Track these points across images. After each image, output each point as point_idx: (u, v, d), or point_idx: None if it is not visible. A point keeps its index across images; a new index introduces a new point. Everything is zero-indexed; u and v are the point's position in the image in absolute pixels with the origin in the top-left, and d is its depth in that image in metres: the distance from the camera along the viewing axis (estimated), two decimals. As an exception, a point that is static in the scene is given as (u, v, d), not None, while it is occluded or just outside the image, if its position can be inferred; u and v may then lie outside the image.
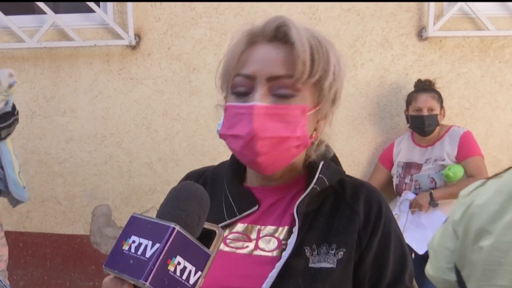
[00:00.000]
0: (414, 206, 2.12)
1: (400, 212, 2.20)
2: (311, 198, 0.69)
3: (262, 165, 0.68)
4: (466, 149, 2.09)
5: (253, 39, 0.67)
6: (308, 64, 0.63)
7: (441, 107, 2.18)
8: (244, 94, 0.67)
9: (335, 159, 0.77)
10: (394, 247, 0.70)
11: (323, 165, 0.72)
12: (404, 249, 0.72)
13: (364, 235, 0.68)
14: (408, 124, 2.26)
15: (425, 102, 2.13)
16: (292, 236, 0.67)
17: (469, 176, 2.06)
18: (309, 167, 0.74)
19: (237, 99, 0.68)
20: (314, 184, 0.70)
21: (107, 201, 2.60)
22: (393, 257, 0.70)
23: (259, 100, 0.64)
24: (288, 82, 0.64)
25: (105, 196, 2.59)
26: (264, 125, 0.64)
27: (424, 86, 2.19)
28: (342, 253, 0.67)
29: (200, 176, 0.83)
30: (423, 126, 2.13)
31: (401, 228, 2.06)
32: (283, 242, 0.69)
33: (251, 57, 0.67)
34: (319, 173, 0.71)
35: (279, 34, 0.65)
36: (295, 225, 0.68)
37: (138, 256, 0.45)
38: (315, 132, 0.70)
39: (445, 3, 2.35)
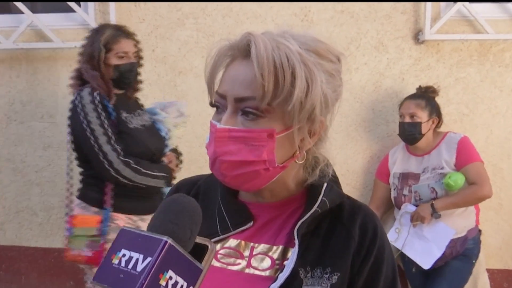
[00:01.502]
0: (416, 219, 2.08)
1: (400, 225, 2.17)
2: (311, 220, 0.69)
3: (232, 185, 0.69)
4: (465, 156, 2.08)
5: (233, 54, 0.67)
6: (269, 87, 0.62)
7: (434, 115, 2.15)
8: (220, 110, 0.68)
9: (335, 181, 0.77)
10: (385, 275, 0.70)
11: (326, 187, 0.72)
12: (395, 277, 0.72)
13: (357, 259, 0.69)
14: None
15: (407, 108, 2.13)
16: (290, 257, 0.67)
17: (471, 183, 2.05)
18: (309, 187, 0.74)
19: (215, 115, 0.69)
20: (317, 207, 0.70)
21: None
22: (382, 285, 0.70)
23: (225, 122, 0.65)
24: (253, 103, 0.64)
25: None
26: (225, 148, 0.65)
27: (418, 93, 2.18)
28: (336, 277, 0.67)
29: (192, 186, 0.82)
30: (404, 134, 2.14)
31: (402, 242, 2.11)
32: (276, 262, 0.69)
33: (225, 75, 0.68)
34: (323, 196, 0.71)
35: (249, 52, 0.65)
36: (292, 246, 0.68)
37: (129, 270, 0.45)
38: (298, 152, 0.68)
39: (442, 5, 2.35)
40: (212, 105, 0.70)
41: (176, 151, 2.02)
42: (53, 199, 2.57)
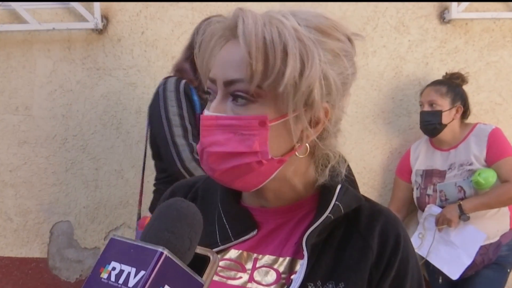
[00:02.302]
0: (442, 222, 1.98)
1: (424, 230, 2.07)
2: (323, 227, 0.66)
3: (224, 182, 0.67)
4: (497, 150, 1.98)
5: (227, 35, 0.65)
6: (258, 66, 0.59)
7: (458, 103, 2.06)
8: (213, 97, 0.66)
9: (352, 180, 0.73)
10: None
11: (340, 189, 0.69)
12: None
13: (376, 272, 0.65)
14: None
15: (426, 96, 2.07)
16: (299, 271, 0.64)
17: (504, 181, 1.94)
18: (321, 189, 0.70)
19: (209, 102, 0.67)
20: (329, 212, 0.66)
21: (69, 216, 2.47)
22: None
23: (214, 109, 0.63)
24: (242, 86, 0.61)
25: (66, 210, 2.45)
26: (212, 138, 0.63)
27: (441, 79, 2.10)
28: None
29: (189, 189, 0.80)
30: (423, 125, 2.08)
31: (427, 249, 2.00)
32: (283, 275, 0.66)
33: (216, 58, 0.66)
34: (336, 200, 0.67)
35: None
36: (300, 257, 0.66)
37: (120, 286, 0.44)
38: (298, 145, 0.65)
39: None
40: (205, 92, 0.68)
41: None
42: (29, 202, 2.46)
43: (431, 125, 2.03)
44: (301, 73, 0.60)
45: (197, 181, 0.82)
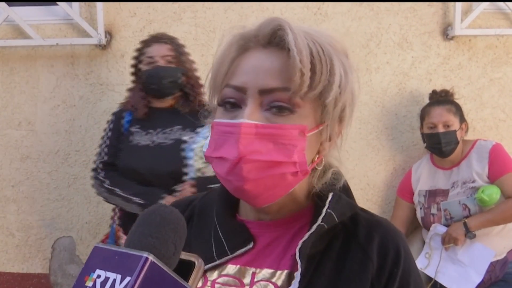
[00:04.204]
0: (448, 241, 1.98)
1: (431, 249, 2.06)
2: (317, 237, 0.65)
3: (251, 194, 0.64)
4: (499, 166, 1.99)
5: (246, 44, 0.65)
6: (308, 75, 0.60)
7: (462, 121, 2.08)
8: (233, 108, 0.65)
9: (346, 189, 0.74)
10: None
11: (332, 197, 0.69)
12: None
13: (378, 284, 0.65)
14: (425, 144, 2.15)
15: (439, 116, 2.04)
16: (293, 283, 0.63)
17: (508, 196, 1.96)
18: (315, 199, 0.70)
19: (225, 114, 0.65)
20: (321, 221, 0.66)
21: (71, 232, 2.47)
22: None
23: (249, 117, 0.61)
24: (284, 96, 0.61)
25: (68, 226, 2.46)
26: (253, 147, 0.61)
27: (439, 98, 2.11)
28: None
29: (187, 206, 0.80)
30: (439, 146, 2.04)
31: (435, 269, 2.01)
32: None
33: (242, 66, 0.65)
34: (327, 208, 0.67)
35: (274, 39, 0.63)
36: (296, 269, 0.64)
37: None
38: (317, 156, 0.67)
39: (475, -4, 2.29)
40: (221, 102, 0.65)
41: (200, 181, 1.73)
42: (31, 217, 2.46)
43: (449, 145, 2.02)
44: (342, 89, 0.63)
45: (194, 199, 0.82)
